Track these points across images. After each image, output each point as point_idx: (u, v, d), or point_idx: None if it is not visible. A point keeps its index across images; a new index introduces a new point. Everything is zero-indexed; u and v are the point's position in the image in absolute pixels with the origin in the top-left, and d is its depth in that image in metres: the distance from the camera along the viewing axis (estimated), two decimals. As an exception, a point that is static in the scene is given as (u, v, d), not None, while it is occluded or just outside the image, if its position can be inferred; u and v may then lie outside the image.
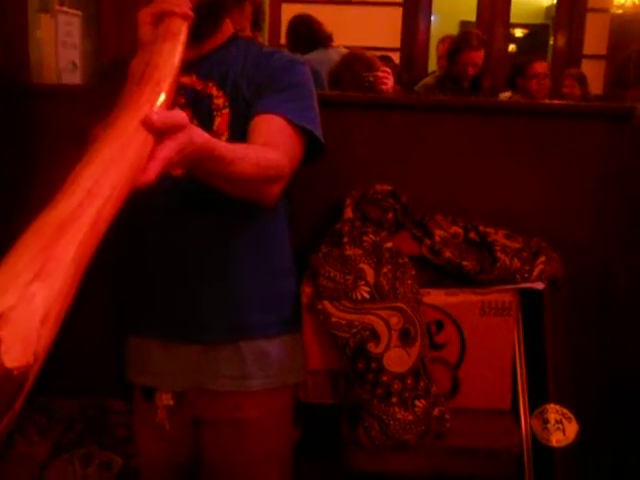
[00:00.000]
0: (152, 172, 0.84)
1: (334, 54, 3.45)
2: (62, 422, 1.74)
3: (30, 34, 2.22)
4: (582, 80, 4.48)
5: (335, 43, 3.90)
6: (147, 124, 0.82)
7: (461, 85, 3.83)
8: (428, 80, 4.23)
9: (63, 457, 1.64)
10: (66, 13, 2.44)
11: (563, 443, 1.65)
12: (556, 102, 3.09)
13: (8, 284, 0.56)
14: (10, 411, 0.52)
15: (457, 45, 3.91)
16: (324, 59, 3.34)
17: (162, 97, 0.91)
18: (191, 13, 1.14)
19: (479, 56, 3.85)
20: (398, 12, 6.00)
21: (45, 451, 1.65)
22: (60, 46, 2.42)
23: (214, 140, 1.03)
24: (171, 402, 1.45)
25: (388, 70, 2.53)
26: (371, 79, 2.43)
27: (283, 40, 4.80)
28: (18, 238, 0.63)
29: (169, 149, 0.86)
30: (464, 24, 6.59)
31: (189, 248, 1.38)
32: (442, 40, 4.79)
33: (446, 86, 3.84)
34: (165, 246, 1.39)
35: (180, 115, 0.88)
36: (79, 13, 2.52)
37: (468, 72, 3.82)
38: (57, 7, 2.37)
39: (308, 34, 3.79)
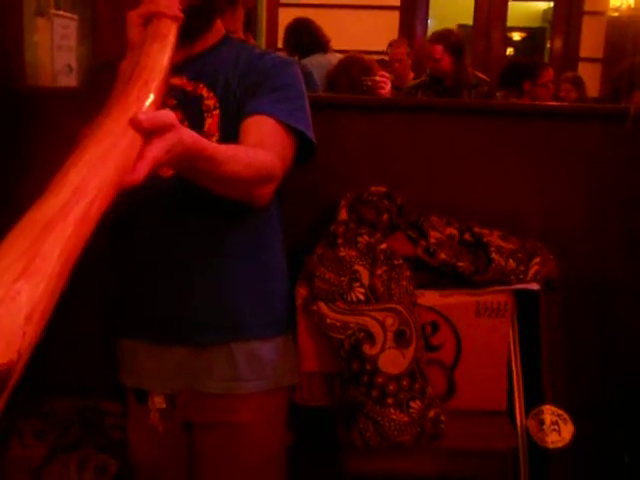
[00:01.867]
0: (140, 172, 0.83)
1: (332, 58, 3.46)
2: (58, 425, 1.74)
3: (26, 37, 2.22)
4: (578, 84, 4.48)
5: (332, 47, 3.90)
6: (135, 124, 0.82)
7: (445, 85, 3.82)
8: (418, 81, 4.23)
9: (58, 461, 1.64)
10: (62, 16, 2.44)
11: (559, 444, 1.65)
12: (552, 104, 3.10)
13: (-7, 282, 0.56)
14: (-6, 407, 0.52)
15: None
16: (322, 63, 3.35)
17: (151, 97, 0.91)
18: (180, 14, 1.14)
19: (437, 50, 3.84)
20: (395, 16, 6.02)
21: (41, 454, 1.65)
22: (56, 49, 2.43)
23: (204, 140, 1.02)
24: (163, 405, 1.45)
25: (386, 74, 2.54)
26: (369, 83, 2.44)
27: (280, 44, 4.81)
28: (5, 236, 0.63)
29: (158, 149, 0.86)
30: (461, 28, 6.60)
31: (179, 250, 1.38)
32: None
33: (434, 86, 3.83)
34: (155, 248, 1.39)
35: (168, 115, 0.88)
36: (75, 16, 2.52)
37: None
38: (53, 10, 2.37)
39: (307, 38, 3.80)
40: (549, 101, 3.76)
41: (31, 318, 0.56)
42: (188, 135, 0.94)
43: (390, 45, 4.68)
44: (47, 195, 0.69)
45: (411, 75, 4.61)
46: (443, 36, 3.90)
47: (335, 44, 3.96)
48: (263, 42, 5.71)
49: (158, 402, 1.46)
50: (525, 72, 3.86)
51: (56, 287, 0.62)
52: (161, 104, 0.95)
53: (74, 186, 0.70)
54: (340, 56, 3.42)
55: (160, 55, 1.02)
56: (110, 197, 0.76)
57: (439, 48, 3.81)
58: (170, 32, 1.09)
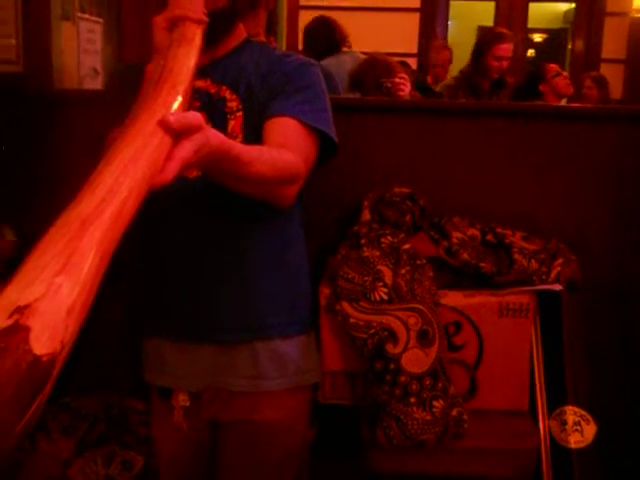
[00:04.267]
0: (170, 172, 0.85)
1: (349, 59, 3.45)
2: (85, 421, 1.77)
3: (53, 42, 2.26)
4: (602, 83, 4.47)
5: (352, 49, 3.90)
6: (164, 125, 0.84)
7: (481, 87, 3.79)
8: (448, 82, 4.19)
9: (86, 456, 1.67)
10: (87, 20, 2.48)
11: (581, 444, 1.65)
12: (573, 105, 3.09)
13: (36, 276, 0.58)
14: (40, 395, 0.54)
15: (486, 41, 3.84)
16: (340, 63, 3.35)
17: (179, 100, 0.93)
18: (205, 18, 1.16)
19: (510, 48, 3.78)
20: (415, 18, 6.01)
21: (68, 450, 1.68)
22: (82, 53, 2.46)
23: (230, 141, 1.04)
24: (187, 403, 1.46)
25: (405, 77, 2.54)
26: (388, 85, 2.44)
27: (301, 46, 4.83)
28: (44, 234, 0.65)
29: (186, 150, 0.88)
30: (481, 29, 6.59)
31: (204, 250, 1.40)
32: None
33: (467, 88, 3.80)
34: (180, 248, 1.41)
35: (196, 116, 0.90)
36: (100, 20, 2.56)
37: (502, 66, 3.74)
38: (79, 14, 2.40)
39: (327, 37, 3.78)
40: (569, 88, 3.75)
41: (72, 311, 0.58)
42: (215, 136, 0.96)
43: (433, 49, 4.63)
44: (82, 194, 0.71)
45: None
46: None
47: (355, 46, 3.96)
48: (284, 44, 5.73)
49: (182, 400, 1.47)
50: (534, 80, 3.88)
51: (94, 282, 0.64)
52: (188, 106, 0.97)
53: (108, 186, 0.73)
54: (358, 56, 3.43)
55: (186, 59, 1.04)
56: (141, 196, 0.78)
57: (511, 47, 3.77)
58: (195, 36, 1.11)
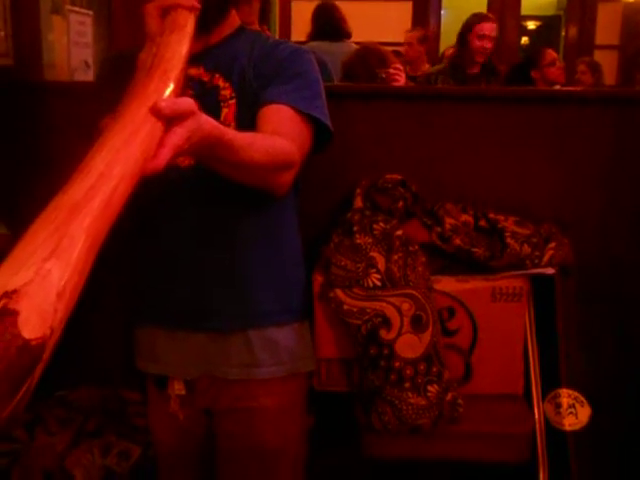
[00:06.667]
0: (162, 159, 0.86)
1: (345, 49, 3.45)
2: (81, 413, 1.77)
3: (43, 36, 2.25)
4: (596, 68, 4.48)
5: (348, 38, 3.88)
6: (155, 111, 0.84)
7: (468, 72, 3.79)
8: (437, 67, 4.19)
9: (83, 446, 1.67)
10: (78, 13, 2.47)
11: (576, 427, 1.66)
12: (566, 89, 3.09)
13: (24, 261, 0.59)
14: (29, 379, 0.54)
15: (467, 23, 3.85)
16: (335, 52, 3.34)
17: (170, 87, 0.94)
18: (197, 5, 1.15)
19: (492, 27, 3.80)
20: (408, 7, 6.01)
21: (65, 441, 1.68)
22: (72, 46, 2.46)
23: (222, 127, 1.04)
24: (183, 391, 1.47)
25: (400, 67, 2.53)
26: (383, 75, 2.44)
27: (294, 37, 4.82)
28: (34, 220, 0.66)
29: (178, 136, 0.88)
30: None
31: (197, 238, 1.40)
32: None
33: (455, 73, 3.80)
34: (173, 237, 1.41)
35: (188, 102, 0.90)
36: (90, 12, 2.55)
37: (485, 45, 3.74)
38: (68, 7, 2.40)
39: (323, 23, 3.77)
40: (562, 78, 3.75)
41: (62, 295, 0.59)
42: (207, 122, 0.96)
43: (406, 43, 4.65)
44: (73, 180, 0.71)
45: (426, 66, 4.58)
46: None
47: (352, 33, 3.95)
48: (277, 34, 5.72)
49: (178, 389, 1.48)
50: (527, 65, 3.88)
51: (84, 267, 0.64)
52: (180, 93, 0.97)
53: (98, 172, 0.73)
54: (354, 46, 3.42)
55: (178, 45, 1.04)
56: (133, 183, 0.79)
57: (494, 26, 3.78)
58: (188, 23, 1.11)
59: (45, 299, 0.57)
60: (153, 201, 1.31)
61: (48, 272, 0.58)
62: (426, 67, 4.56)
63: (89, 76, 2.50)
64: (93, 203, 0.69)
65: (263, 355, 1.44)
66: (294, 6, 5.87)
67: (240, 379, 1.44)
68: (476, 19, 3.85)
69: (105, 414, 1.79)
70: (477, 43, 3.75)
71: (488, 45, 3.77)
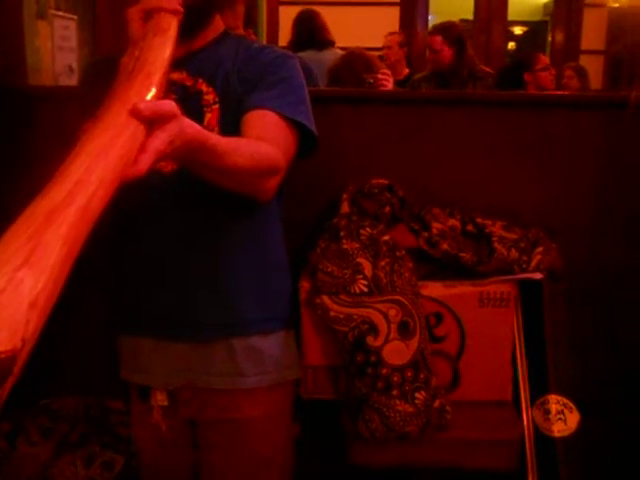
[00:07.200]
0: (143, 164, 0.84)
1: (331, 56, 3.43)
2: (65, 423, 1.74)
3: (27, 41, 2.23)
4: (582, 73, 4.49)
5: (332, 45, 3.88)
6: (135, 112, 0.82)
7: (454, 77, 3.82)
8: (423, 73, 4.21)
9: (66, 457, 1.65)
10: (62, 17, 2.45)
11: (565, 433, 1.65)
12: (552, 93, 3.09)
13: (-4, 271, 0.56)
14: (-2, 393, 0.52)
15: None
16: (321, 59, 3.33)
17: (152, 91, 0.92)
18: (180, 9, 1.14)
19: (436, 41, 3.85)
20: (395, 12, 6.00)
21: (48, 452, 1.66)
22: (57, 51, 2.44)
23: (206, 132, 1.02)
24: (165, 402, 1.44)
25: (388, 72, 2.53)
26: (371, 81, 2.43)
27: (281, 42, 4.81)
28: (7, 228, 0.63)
29: (160, 140, 0.86)
30: (462, 22, 6.58)
31: (180, 245, 1.38)
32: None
33: (433, 79, 3.83)
34: (156, 244, 1.38)
35: (169, 104, 0.88)
36: (74, 17, 2.53)
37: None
38: (53, 12, 2.38)
39: (305, 33, 3.76)
40: (553, 84, 3.76)
41: (35, 306, 0.57)
42: (190, 126, 0.94)
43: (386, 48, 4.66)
44: (49, 187, 0.69)
45: (405, 71, 4.58)
46: (443, 28, 3.92)
47: (336, 41, 3.95)
48: (264, 40, 5.71)
49: (160, 399, 1.45)
50: (521, 66, 3.88)
51: (59, 276, 0.62)
52: (162, 97, 0.95)
53: (76, 178, 0.71)
54: (337, 52, 3.41)
55: (161, 49, 1.02)
56: (112, 189, 0.76)
57: (438, 39, 3.83)
58: (171, 26, 1.10)
59: (17, 310, 0.55)
60: (135, 206, 1.29)
61: (20, 282, 0.56)
62: (406, 71, 4.55)
63: (73, 81, 2.48)
64: (70, 209, 0.67)
65: (247, 364, 1.42)
66: (281, 11, 5.86)
67: (224, 389, 1.42)
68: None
69: (89, 423, 1.76)
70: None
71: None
